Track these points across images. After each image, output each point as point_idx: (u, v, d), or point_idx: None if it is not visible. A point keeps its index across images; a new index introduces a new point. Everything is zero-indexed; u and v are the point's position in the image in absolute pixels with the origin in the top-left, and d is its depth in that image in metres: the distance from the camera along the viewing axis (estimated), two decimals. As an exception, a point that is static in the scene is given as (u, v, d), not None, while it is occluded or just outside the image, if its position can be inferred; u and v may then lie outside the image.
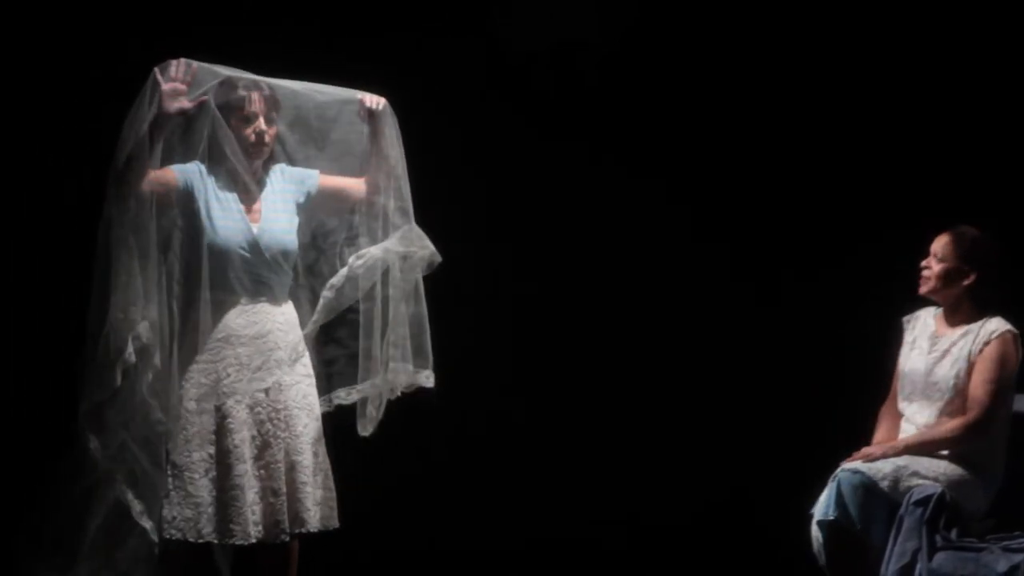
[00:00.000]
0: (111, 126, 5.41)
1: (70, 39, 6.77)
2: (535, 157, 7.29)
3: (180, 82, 5.29)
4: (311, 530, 5.42)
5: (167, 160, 5.39)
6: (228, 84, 5.41)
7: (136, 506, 5.29)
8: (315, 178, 5.56)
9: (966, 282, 5.99)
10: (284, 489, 5.37)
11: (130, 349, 5.27)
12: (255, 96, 5.43)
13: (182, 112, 5.31)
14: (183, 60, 5.33)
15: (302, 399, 5.45)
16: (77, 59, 6.74)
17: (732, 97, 7.34)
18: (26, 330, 6.74)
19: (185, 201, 5.38)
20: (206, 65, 5.38)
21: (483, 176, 7.23)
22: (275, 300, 5.45)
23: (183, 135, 5.40)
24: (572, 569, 7.22)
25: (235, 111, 5.41)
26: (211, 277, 5.36)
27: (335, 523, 5.48)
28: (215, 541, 5.31)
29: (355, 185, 5.58)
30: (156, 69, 5.31)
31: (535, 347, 7.34)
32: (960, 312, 6.02)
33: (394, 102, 5.61)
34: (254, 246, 5.39)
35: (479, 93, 7.28)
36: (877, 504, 5.77)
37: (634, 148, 7.36)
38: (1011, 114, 7.03)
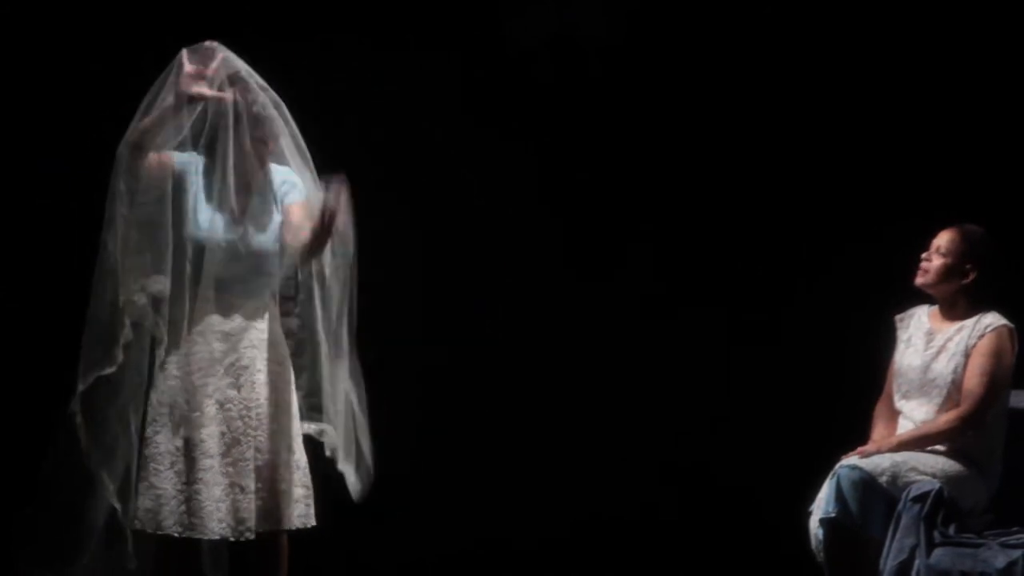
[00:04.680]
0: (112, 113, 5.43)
1: (69, 34, 6.81)
2: (533, 156, 7.32)
3: (204, 67, 5.27)
4: (286, 528, 5.40)
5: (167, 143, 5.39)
6: (254, 89, 5.38)
7: (117, 504, 5.29)
8: (293, 194, 5.49)
9: (965, 280, 6.00)
10: (252, 487, 5.34)
11: (128, 325, 5.28)
12: (277, 114, 5.42)
13: (200, 97, 5.27)
14: (211, 45, 5.31)
15: (278, 396, 5.44)
16: (76, 52, 6.77)
17: (730, 96, 7.35)
18: (25, 327, 6.77)
19: (176, 191, 5.37)
20: (238, 62, 5.36)
21: (479, 173, 7.26)
22: (255, 298, 5.43)
23: (193, 122, 5.38)
24: (572, 566, 7.23)
25: (259, 122, 5.38)
26: (193, 271, 5.34)
27: (312, 521, 5.45)
28: (175, 534, 5.28)
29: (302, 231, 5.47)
30: (184, 51, 5.28)
31: (534, 344, 7.36)
32: (955, 308, 6.03)
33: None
34: (238, 244, 5.37)
35: (479, 91, 7.31)
36: (876, 500, 5.77)
37: (631, 146, 7.38)
38: (1005, 113, 7.05)
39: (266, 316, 5.46)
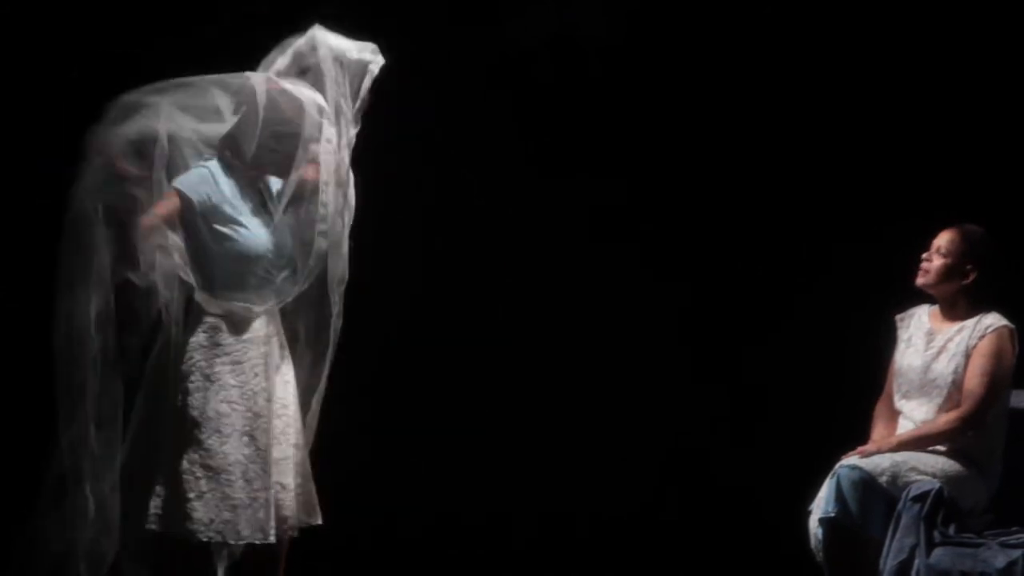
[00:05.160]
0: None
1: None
2: (532, 156, 7.32)
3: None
4: (318, 522, 5.42)
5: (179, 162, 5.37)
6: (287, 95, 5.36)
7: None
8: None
9: (966, 280, 6.00)
10: (292, 484, 5.37)
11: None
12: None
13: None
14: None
15: (295, 391, 5.46)
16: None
17: (730, 96, 7.35)
18: (26, 327, 6.76)
19: (205, 213, 5.29)
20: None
21: (479, 174, 7.27)
22: (280, 298, 5.42)
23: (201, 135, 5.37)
24: (572, 566, 7.23)
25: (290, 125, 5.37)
26: (234, 281, 5.30)
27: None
28: (258, 541, 5.25)
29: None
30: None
31: (534, 344, 7.36)
32: (956, 308, 6.03)
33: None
34: (275, 248, 5.36)
35: (480, 88, 7.31)
36: (876, 500, 5.77)
37: (630, 145, 7.37)
38: (1005, 113, 7.04)
39: (279, 315, 5.46)
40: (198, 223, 5.29)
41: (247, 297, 5.33)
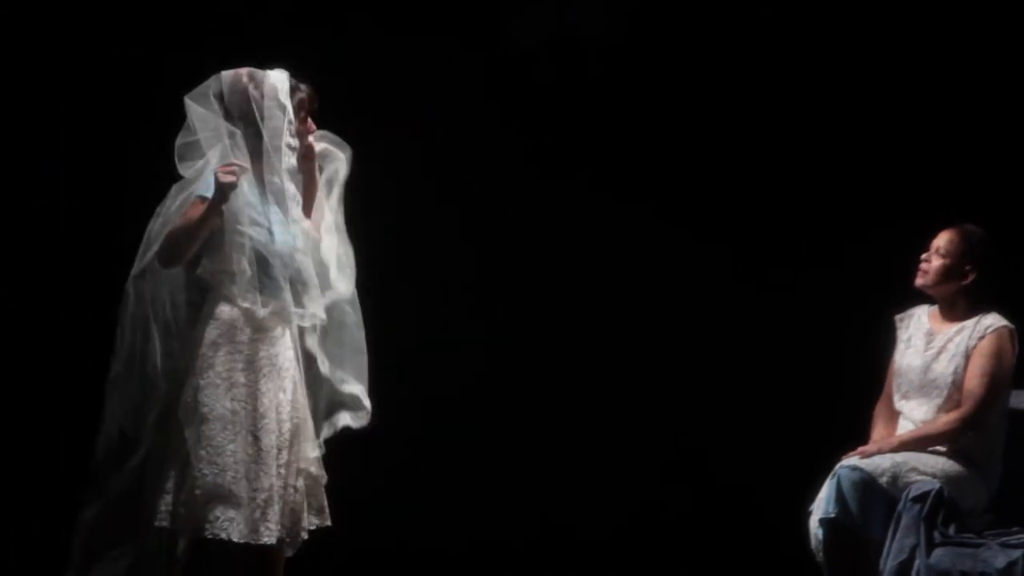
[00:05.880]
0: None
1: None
2: (533, 156, 7.32)
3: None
4: (326, 524, 5.42)
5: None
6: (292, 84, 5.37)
7: None
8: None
9: (965, 281, 6.00)
10: (302, 486, 5.36)
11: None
12: (312, 94, 5.41)
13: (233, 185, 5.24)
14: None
15: (304, 398, 5.45)
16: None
17: (730, 96, 7.35)
18: (26, 327, 6.77)
19: (228, 215, 5.26)
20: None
21: (479, 173, 7.27)
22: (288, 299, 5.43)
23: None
24: (572, 566, 7.24)
25: (299, 111, 5.36)
26: (251, 280, 5.28)
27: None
28: (252, 542, 5.22)
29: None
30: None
31: (534, 345, 7.36)
32: (956, 309, 6.03)
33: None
34: (291, 250, 5.36)
35: (480, 88, 7.31)
36: (876, 500, 5.77)
37: (630, 145, 7.38)
38: (1005, 113, 7.05)
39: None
40: (221, 225, 5.28)
41: (263, 296, 5.32)
